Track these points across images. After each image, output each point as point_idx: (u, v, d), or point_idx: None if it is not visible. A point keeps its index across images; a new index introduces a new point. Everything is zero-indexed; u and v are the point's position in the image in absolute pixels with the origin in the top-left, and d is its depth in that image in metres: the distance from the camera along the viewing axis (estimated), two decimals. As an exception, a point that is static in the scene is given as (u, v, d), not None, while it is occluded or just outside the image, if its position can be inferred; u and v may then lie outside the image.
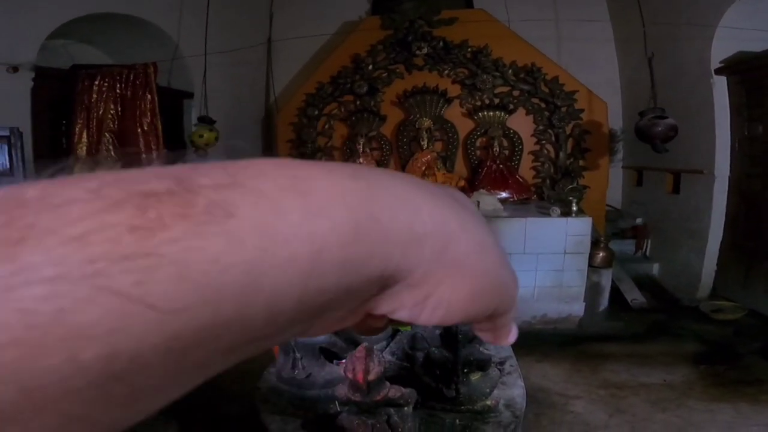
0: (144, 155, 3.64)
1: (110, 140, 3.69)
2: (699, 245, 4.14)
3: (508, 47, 4.61)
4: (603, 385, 2.68)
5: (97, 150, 3.59)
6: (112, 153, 3.62)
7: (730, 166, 3.96)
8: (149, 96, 3.67)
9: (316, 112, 4.98)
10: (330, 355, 2.18)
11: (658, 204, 4.75)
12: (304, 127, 5.01)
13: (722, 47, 3.84)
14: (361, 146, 4.80)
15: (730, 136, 3.94)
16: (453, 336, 1.75)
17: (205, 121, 4.16)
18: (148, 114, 3.68)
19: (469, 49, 4.65)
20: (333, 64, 4.99)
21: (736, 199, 3.95)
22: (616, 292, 3.97)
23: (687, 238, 4.30)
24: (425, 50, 4.67)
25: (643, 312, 3.87)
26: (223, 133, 4.40)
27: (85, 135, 3.63)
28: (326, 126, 5.07)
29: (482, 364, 1.81)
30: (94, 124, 3.63)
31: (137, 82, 3.66)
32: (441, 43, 4.67)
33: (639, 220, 5.03)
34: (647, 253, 4.95)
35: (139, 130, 3.67)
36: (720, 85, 3.93)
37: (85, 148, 3.64)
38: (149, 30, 4.17)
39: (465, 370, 1.78)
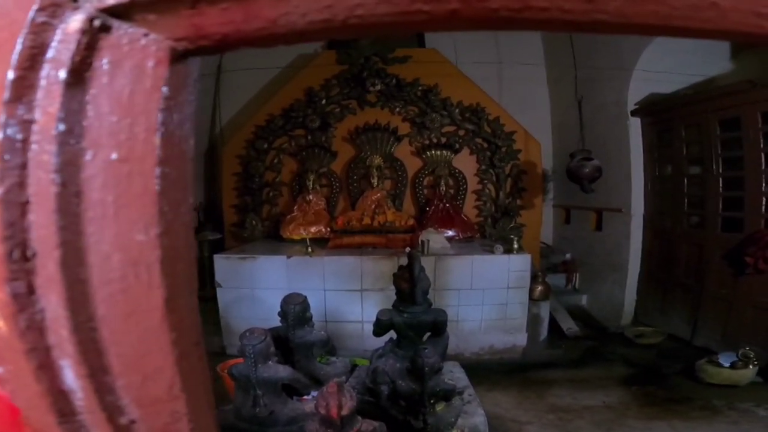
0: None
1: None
2: (620, 277, 4.48)
3: (456, 87, 4.78)
4: (551, 409, 2.82)
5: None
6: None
7: (644, 205, 4.31)
8: None
9: (266, 146, 4.86)
10: (291, 391, 2.13)
11: (584, 240, 5.09)
12: (252, 161, 4.85)
13: (638, 89, 4.12)
14: (311, 183, 4.68)
15: (643, 176, 4.28)
16: (420, 369, 1.79)
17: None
18: None
19: (420, 88, 4.77)
20: (285, 96, 4.90)
21: (651, 234, 4.32)
22: (552, 323, 4.20)
23: (610, 271, 4.65)
24: (378, 87, 4.73)
25: (577, 340, 4.13)
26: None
27: None
28: (275, 160, 4.93)
29: (447, 395, 1.86)
30: None
31: None
32: (394, 81, 4.76)
33: (568, 256, 5.38)
34: (576, 285, 5.29)
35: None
36: (635, 127, 4.23)
37: None
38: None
39: (432, 401, 1.82)
